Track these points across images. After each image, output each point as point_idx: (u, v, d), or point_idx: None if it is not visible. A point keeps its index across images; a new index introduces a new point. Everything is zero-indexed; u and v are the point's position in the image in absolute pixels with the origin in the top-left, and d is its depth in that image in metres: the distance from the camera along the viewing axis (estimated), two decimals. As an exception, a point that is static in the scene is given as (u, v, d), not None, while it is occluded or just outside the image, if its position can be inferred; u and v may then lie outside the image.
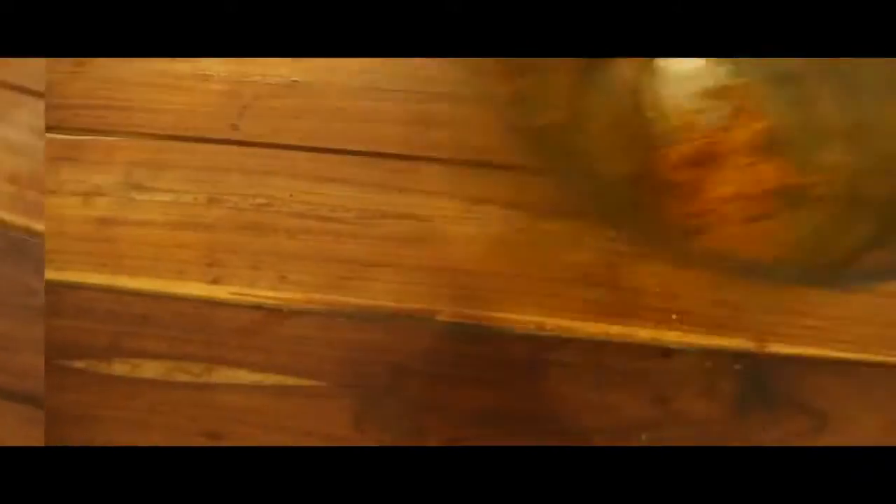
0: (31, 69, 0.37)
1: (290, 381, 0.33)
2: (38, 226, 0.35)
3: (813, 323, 0.32)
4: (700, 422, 0.32)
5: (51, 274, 0.34)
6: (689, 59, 0.37)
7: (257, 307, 0.34)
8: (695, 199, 0.34)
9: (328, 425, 0.32)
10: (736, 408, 0.32)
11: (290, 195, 0.35)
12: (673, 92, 0.36)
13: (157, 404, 0.33)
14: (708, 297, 0.33)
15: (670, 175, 0.34)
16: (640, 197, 0.34)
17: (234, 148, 0.36)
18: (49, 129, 0.36)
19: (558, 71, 0.34)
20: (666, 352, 0.32)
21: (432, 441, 0.32)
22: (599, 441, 0.32)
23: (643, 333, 0.33)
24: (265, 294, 0.33)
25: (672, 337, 0.33)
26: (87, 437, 0.33)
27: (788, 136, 0.35)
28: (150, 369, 0.33)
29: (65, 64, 0.37)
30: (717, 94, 0.36)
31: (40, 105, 0.37)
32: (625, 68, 0.36)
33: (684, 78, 0.36)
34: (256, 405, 0.33)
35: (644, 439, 0.32)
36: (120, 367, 0.33)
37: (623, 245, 0.33)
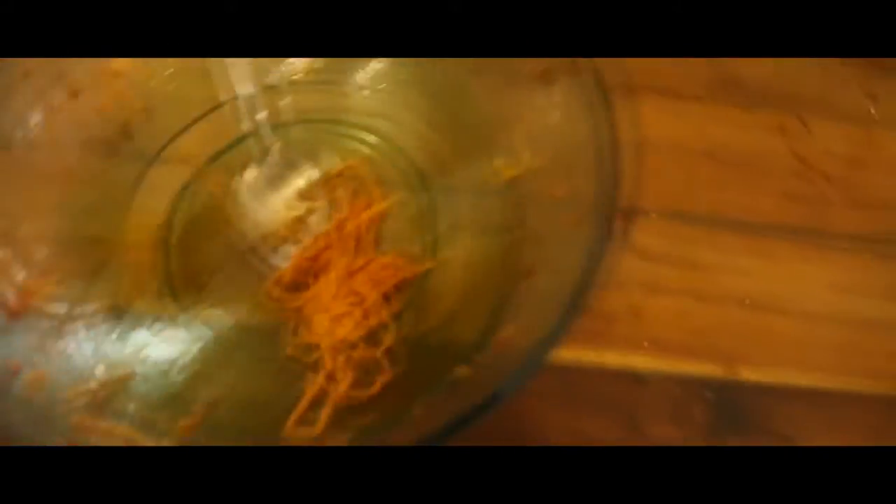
0: None
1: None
2: None
3: (781, 350, 0.33)
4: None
5: None
6: (269, 164, 0.30)
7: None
8: (303, 335, 0.29)
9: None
10: (707, 434, 0.32)
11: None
12: (263, 203, 0.30)
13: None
14: (678, 324, 0.33)
15: (277, 308, 0.29)
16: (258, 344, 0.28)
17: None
18: None
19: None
20: (637, 378, 0.33)
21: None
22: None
23: (614, 359, 0.33)
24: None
25: (643, 363, 0.33)
26: None
27: (401, 224, 0.30)
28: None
29: None
30: (310, 194, 0.31)
31: None
32: (209, 183, 0.31)
33: (271, 184, 0.30)
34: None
35: (616, 465, 0.32)
36: None
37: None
